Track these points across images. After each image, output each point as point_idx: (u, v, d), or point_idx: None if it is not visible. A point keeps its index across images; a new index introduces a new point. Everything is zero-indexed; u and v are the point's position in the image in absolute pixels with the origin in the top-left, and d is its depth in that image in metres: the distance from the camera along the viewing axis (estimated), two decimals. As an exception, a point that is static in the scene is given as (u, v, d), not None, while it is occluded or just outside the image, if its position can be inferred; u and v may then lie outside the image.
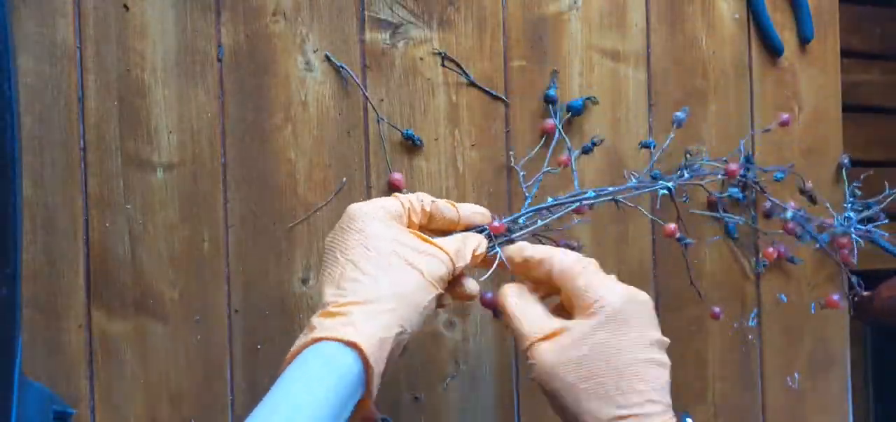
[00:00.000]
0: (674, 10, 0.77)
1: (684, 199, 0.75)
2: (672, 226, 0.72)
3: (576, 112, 0.72)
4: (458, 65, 0.71)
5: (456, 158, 0.71)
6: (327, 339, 0.49)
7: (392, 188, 0.69)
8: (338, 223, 0.55)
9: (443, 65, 0.70)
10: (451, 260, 0.54)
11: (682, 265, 0.77)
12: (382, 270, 0.52)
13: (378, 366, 0.49)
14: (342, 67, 0.68)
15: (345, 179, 0.69)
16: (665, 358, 0.52)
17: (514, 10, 0.73)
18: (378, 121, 0.69)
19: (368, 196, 0.69)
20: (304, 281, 0.67)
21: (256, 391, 0.67)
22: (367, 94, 0.69)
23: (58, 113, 0.63)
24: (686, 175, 0.73)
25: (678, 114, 0.73)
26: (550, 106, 0.72)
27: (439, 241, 0.55)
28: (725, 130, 0.78)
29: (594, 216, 0.74)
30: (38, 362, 0.62)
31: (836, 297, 0.78)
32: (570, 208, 0.66)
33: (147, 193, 0.65)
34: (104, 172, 0.64)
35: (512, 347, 0.73)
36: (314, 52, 0.68)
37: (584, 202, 0.65)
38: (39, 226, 0.63)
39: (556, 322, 0.54)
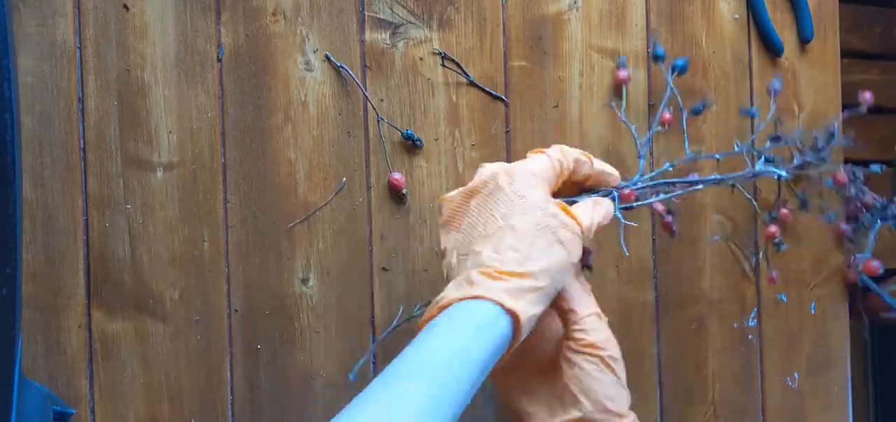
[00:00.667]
0: (674, 10, 0.77)
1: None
2: (773, 228, 0.74)
3: (681, 71, 0.72)
4: (458, 65, 0.71)
5: (456, 158, 0.71)
6: (492, 300, 0.50)
7: (392, 188, 0.69)
8: (491, 177, 0.55)
9: (443, 65, 0.70)
10: (584, 234, 0.56)
11: (682, 265, 0.77)
12: (538, 244, 0.53)
13: (523, 336, 0.51)
14: (342, 67, 0.68)
15: (345, 178, 0.69)
16: None
17: (514, 10, 0.73)
18: (378, 120, 0.69)
19: (368, 197, 0.69)
20: (304, 281, 0.67)
21: (256, 391, 0.67)
22: (367, 94, 0.69)
23: (58, 113, 0.63)
24: (804, 159, 0.72)
25: (774, 82, 0.73)
26: (661, 64, 0.73)
27: (573, 209, 0.56)
28: (725, 131, 0.77)
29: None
30: (38, 362, 0.62)
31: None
32: (694, 189, 0.66)
33: (147, 193, 0.65)
34: (104, 172, 0.64)
35: (512, 347, 0.73)
36: (314, 52, 0.68)
37: (700, 185, 0.66)
38: (39, 226, 0.63)
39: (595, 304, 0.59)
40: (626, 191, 0.60)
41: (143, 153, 0.65)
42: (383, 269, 0.69)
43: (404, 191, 0.69)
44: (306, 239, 0.68)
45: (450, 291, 0.52)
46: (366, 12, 0.69)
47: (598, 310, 0.57)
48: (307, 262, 0.68)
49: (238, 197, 0.67)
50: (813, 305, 0.81)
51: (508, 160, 0.72)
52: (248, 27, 0.67)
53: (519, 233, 0.53)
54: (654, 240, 0.76)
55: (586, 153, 0.59)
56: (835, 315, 0.81)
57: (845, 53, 0.84)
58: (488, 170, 0.56)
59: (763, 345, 0.79)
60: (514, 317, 0.50)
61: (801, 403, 0.80)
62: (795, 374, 0.80)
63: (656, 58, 0.73)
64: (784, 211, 0.78)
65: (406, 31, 0.70)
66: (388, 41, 0.70)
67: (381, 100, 0.70)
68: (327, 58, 0.68)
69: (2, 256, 0.52)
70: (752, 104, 0.79)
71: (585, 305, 0.56)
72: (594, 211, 0.57)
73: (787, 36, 0.80)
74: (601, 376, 0.55)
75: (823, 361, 0.81)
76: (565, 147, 0.58)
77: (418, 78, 0.70)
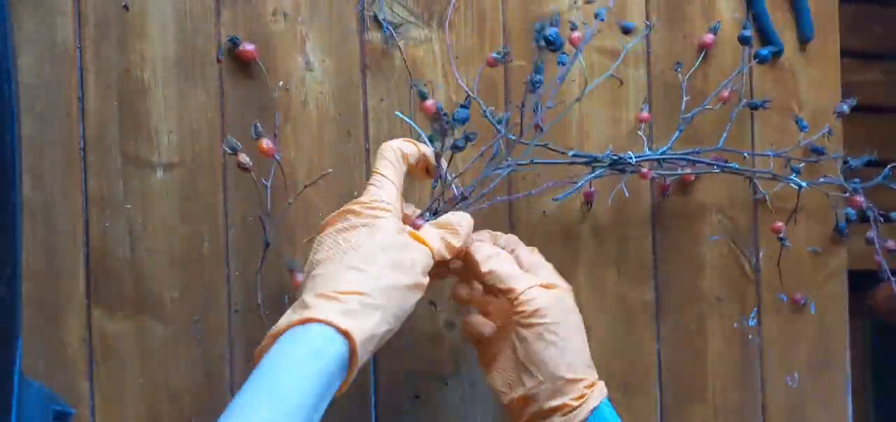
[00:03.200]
0: (674, 10, 0.77)
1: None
2: (779, 223, 0.75)
3: (763, 59, 0.74)
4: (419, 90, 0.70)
5: (456, 158, 0.71)
6: (324, 322, 0.49)
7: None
8: (340, 211, 0.56)
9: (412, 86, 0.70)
10: (433, 257, 0.56)
11: (682, 265, 0.77)
12: (379, 263, 0.52)
13: (362, 360, 0.50)
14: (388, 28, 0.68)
15: (330, 168, 0.68)
16: None
17: (514, 10, 0.73)
18: (410, 86, 0.69)
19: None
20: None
21: (256, 391, 0.67)
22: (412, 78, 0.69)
23: (58, 113, 0.63)
24: None
25: (842, 106, 0.75)
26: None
27: (422, 233, 0.56)
28: (724, 130, 0.77)
29: (594, 214, 0.74)
30: (38, 362, 0.62)
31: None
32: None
33: (147, 193, 0.65)
34: (104, 172, 0.64)
35: (512, 347, 0.73)
36: (314, 51, 0.68)
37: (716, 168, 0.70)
38: (39, 226, 0.63)
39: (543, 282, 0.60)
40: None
41: (143, 153, 0.65)
42: (383, 269, 0.69)
43: None
44: (306, 239, 0.68)
45: (284, 317, 0.51)
46: (366, 12, 0.69)
47: (547, 279, 0.58)
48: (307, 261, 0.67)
49: (238, 197, 0.67)
50: (813, 305, 0.81)
51: (508, 162, 0.72)
52: (248, 27, 0.67)
53: (360, 254, 0.52)
54: (654, 240, 0.76)
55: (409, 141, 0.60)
56: (835, 315, 0.81)
57: (845, 53, 0.84)
58: (345, 207, 0.56)
59: (763, 345, 0.79)
60: (348, 338, 0.49)
61: (801, 403, 0.80)
62: (795, 374, 0.80)
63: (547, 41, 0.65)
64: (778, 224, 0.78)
65: (406, 31, 0.70)
66: (388, 41, 0.70)
67: (381, 99, 0.70)
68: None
69: (2, 256, 0.52)
70: (740, 97, 0.79)
71: (522, 281, 0.58)
72: (444, 235, 0.57)
73: (787, 36, 0.80)
74: (546, 346, 0.56)
75: (823, 361, 0.81)
76: (391, 144, 0.59)
77: (418, 78, 0.70)
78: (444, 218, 0.59)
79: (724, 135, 0.75)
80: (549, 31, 0.64)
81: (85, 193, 0.64)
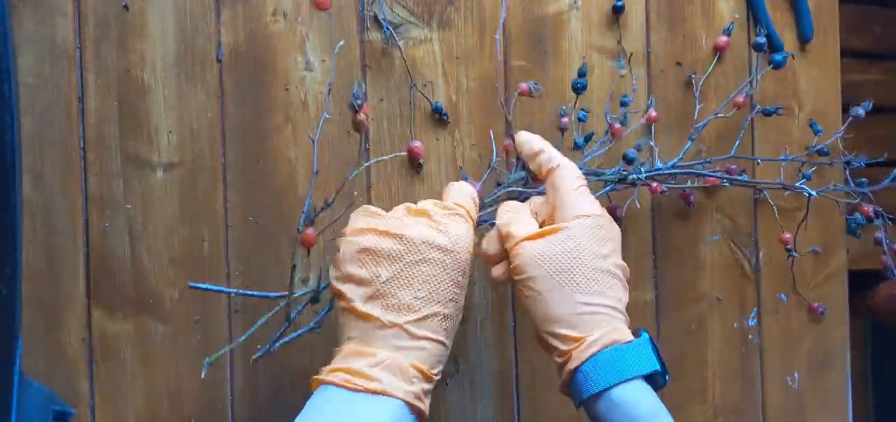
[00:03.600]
0: (674, 10, 0.77)
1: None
2: (787, 235, 0.75)
3: (779, 64, 0.74)
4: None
5: (456, 158, 0.71)
6: (398, 399, 0.51)
7: (411, 156, 0.69)
8: (423, 244, 0.54)
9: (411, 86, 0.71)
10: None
11: (682, 265, 0.77)
12: (451, 308, 0.55)
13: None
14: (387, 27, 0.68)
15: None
16: (626, 284, 0.58)
17: (514, 10, 0.73)
18: (411, 86, 0.69)
19: (367, 196, 0.69)
20: (305, 281, 0.67)
21: (256, 392, 0.67)
22: (413, 82, 0.69)
23: (58, 113, 0.63)
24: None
25: (858, 110, 0.74)
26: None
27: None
28: (725, 130, 0.77)
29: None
30: (38, 362, 0.62)
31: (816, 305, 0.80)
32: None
33: (147, 193, 0.65)
34: (104, 172, 0.64)
35: (512, 347, 0.73)
36: (314, 51, 0.68)
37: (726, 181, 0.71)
38: (39, 226, 0.63)
39: (544, 228, 0.58)
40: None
41: (143, 153, 0.65)
42: (383, 269, 0.69)
43: (422, 161, 0.69)
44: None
45: (351, 362, 0.52)
46: (366, 12, 0.69)
47: (533, 231, 0.57)
48: (307, 261, 0.68)
49: (238, 197, 0.67)
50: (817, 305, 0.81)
51: (508, 162, 0.72)
52: (247, 27, 0.67)
53: (423, 279, 0.53)
54: (654, 240, 0.76)
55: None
56: (835, 315, 0.81)
57: (845, 53, 0.84)
58: (419, 233, 0.54)
59: (763, 345, 0.79)
60: (420, 416, 0.52)
61: (801, 403, 0.80)
62: (795, 374, 0.80)
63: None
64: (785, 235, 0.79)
65: (406, 31, 0.70)
66: (388, 41, 0.70)
67: (381, 99, 0.70)
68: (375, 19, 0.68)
69: (2, 257, 0.52)
70: (752, 104, 0.79)
71: (510, 238, 0.58)
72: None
73: (787, 36, 0.80)
74: (525, 300, 0.56)
75: (823, 361, 0.81)
76: (456, 188, 0.59)
77: (418, 78, 0.70)
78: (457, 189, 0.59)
79: (736, 143, 0.75)
80: (579, 80, 0.69)
81: (85, 193, 0.64)
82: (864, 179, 0.76)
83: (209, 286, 0.60)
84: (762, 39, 0.75)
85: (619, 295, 0.56)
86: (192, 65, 0.66)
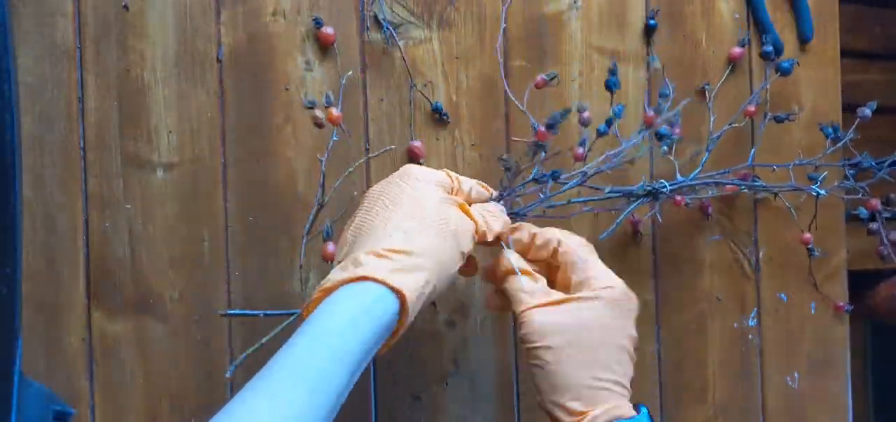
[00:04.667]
0: (674, 10, 0.77)
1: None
2: (808, 235, 0.76)
3: (785, 72, 0.74)
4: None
5: (456, 158, 0.71)
6: (378, 280, 0.50)
7: (411, 157, 0.69)
8: (388, 178, 0.57)
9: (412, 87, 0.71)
10: (476, 231, 0.57)
11: (682, 265, 0.77)
12: (427, 225, 0.53)
13: (411, 318, 0.51)
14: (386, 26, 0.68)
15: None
16: (634, 356, 0.58)
17: (515, 10, 0.73)
18: (411, 86, 0.69)
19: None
20: (304, 281, 0.67)
21: (256, 391, 0.67)
22: (412, 82, 0.69)
23: (58, 113, 0.63)
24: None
25: (865, 110, 0.73)
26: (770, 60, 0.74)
27: (471, 210, 0.57)
28: (729, 136, 0.77)
29: (593, 214, 0.74)
30: (38, 362, 0.62)
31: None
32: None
33: (147, 193, 0.65)
34: (104, 172, 0.64)
35: (512, 346, 0.73)
36: (314, 51, 0.68)
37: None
38: (39, 226, 0.63)
39: (555, 293, 0.57)
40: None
41: (143, 153, 0.65)
42: (383, 269, 0.69)
43: (422, 160, 0.69)
44: (306, 238, 0.68)
45: (334, 274, 0.51)
46: (366, 12, 0.69)
47: (546, 299, 0.56)
48: (307, 261, 0.68)
49: (238, 197, 0.67)
50: (813, 305, 0.81)
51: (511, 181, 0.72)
52: (247, 27, 0.67)
53: (409, 213, 0.53)
54: (653, 240, 0.76)
55: (481, 183, 0.60)
56: (835, 315, 0.81)
57: (845, 53, 0.84)
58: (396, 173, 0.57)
59: (763, 345, 0.79)
60: (400, 296, 0.50)
61: (801, 403, 0.80)
62: (795, 374, 0.80)
63: (549, 127, 0.65)
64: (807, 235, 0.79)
65: (406, 31, 0.70)
66: (388, 41, 0.70)
67: (381, 99, 0.70)
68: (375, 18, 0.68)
69: (2, 257, 0.52)
70: (764, 112, 0.79)
71: (519, 303, 0.57)
72: (488, 215, 0.58)
73: (787, 36, 0.80)
74: (533, 369, 0.56)
75: (823, 361, 0.81)
76: (465, 178, 0.60)
77: (418, 78, 0.70)
78: (484, 205, 0.59)
79: (752, 151, 0.75)
80: (611, 78, 0.68)
81: (85, 193, 0.64)
82: (863, 185, 0.76)
83: (243, 312, 0.61)
84: (769, 48, 0.75)
85: (626, 370, 0.57)
86: (192, 65, 0.66)
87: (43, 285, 0.63)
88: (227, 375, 0.64)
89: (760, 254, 0.79)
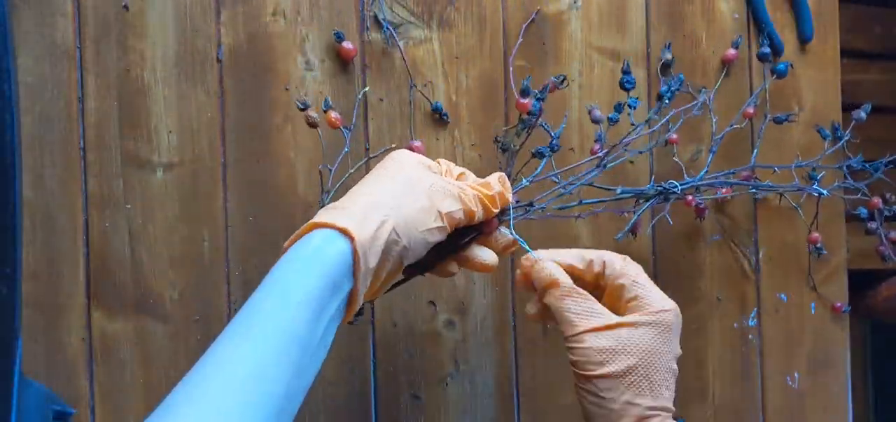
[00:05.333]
0: (674, 10, 0.77)
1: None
2: (816, 234, 0.75)
3: (781, 74, 0.74)
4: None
5: (456, 159, 0.71)
6: (322, 224, 0.49)
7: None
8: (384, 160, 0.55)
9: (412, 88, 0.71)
10: (462, 200, 0.54)
11: (682, 265, 0.77)
12: (395, 183, 0.52)
13: (367, 259, 0.48)
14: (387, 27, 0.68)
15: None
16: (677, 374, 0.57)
17: (514, 10, 0.73)
18: (411, 86, 0.69)
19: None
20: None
21: (256, 391, 0.67)
22: (413, 82, 0.69)
23: (58, 113, 0.63)
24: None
25: (860, 113, 0.74)
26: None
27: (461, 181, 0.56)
28: (727, 136, 0.77)
29: (594, 215, 0.74)
30: (38, 362, 0.62)
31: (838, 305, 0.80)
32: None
33: (147, 193, 0.65)
34: (104, 172, 0.64)
35: (512, 346, 0.73)
36: (314, 51, 0.68)
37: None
38: (39, 226, 0.63)
39: (607, 314, 0.55)
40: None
41: (143, 153, 0.65)
42: (383, 269, 0.69)
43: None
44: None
45: (297, 232, 0.51)
46: (366, 12, 0.69)
47: (600, 323, 0.54)
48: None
49: (238, 197, 0.67)
50: (813, 305, 0.81)
51: (508, 162, 0.72)
52: (247, 27, 0.67)
53: (383, 176, 0.52)
54: (653, 240, 0.76)
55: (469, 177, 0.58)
56: (835, 315, 0.81)
57: (845, 53, 0.84)
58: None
59: (763, 345, 0.79)
60: (347, 235, 0.48)
61: (801, 403, 0.80)
62: (795, 374, 0.80)
63: (523, 93, 0.65)
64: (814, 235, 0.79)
65: (406, 31, 0.70)
66: (388, 41, 0.70)
67: (381, 99, 0.70)
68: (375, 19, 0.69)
69: (2, 257, 0.52)
70: (764, 113, 0.79)
71: (569, 326, 0.54)
72: (476, 185, 0.56)
73: (787, 36, 0.80)
74: (593, 399, 0.54)
75: (823, 361, 0.81)
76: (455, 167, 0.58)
77: (418, 78, 0.70)
78: (487, 178, 0.57)
79: (755, 151, 0.75)
80: (625, 77, 0.67)
81: (85, 193, 0.64)
82: (863, 184, 0.77)
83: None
84: (767, 49, 0.75)
85: (672, 393, 0.55)
86: (192, 65, 0.66)
87: (43, 285, 0.63)
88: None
89: (760, 254, 0.79)
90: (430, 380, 0.71)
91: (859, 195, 0.77)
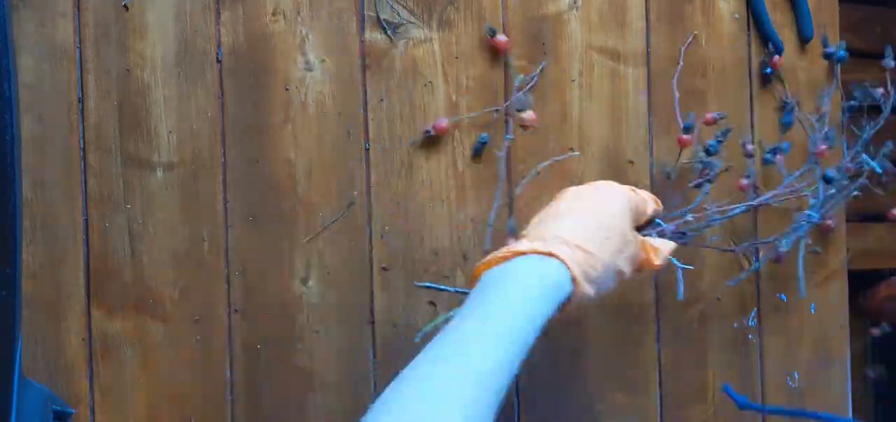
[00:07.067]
0: (674, 10, 0.77)
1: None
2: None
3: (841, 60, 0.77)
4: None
5: (456, 159, 0.71)
6: (565, 262, 0.53)
7: (437, 132, 0.69)
8: (583, 186, 0.62)
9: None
10: (643, 262, 0.61)
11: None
12: (609, 241, 0.56)
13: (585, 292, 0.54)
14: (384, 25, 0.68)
15: (356, 193, 0.69)
16: None
17: (514, 10, 0.73)
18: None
19: (367, 197, 0.69)
20: (304, 281, 0.67)
21: (256, 392, 0.67)
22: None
23: (58, 113, 0.63)
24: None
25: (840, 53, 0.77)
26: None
27: (650, 241, 0.62)
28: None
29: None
30: (38, 362, 0.62)
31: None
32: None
33: (147, 193, 0.65)
34: (104, 172, 0.64)
35: (512, 347, 0.73)
36: (314, 51, 0.68)
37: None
38: (39, 226, 0.63)
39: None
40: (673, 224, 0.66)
41: (143, 153, 0.65)
42: (383, 268, 0.69)
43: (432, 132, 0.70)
44: (306, 239, 0.68)
45: (521, 244, 0.54)
46: (366, 12, 0.69)
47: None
48: (307, 261, 0.68)
49: (238, 197, 0.67)
50: (813, 305, 0.81)
51: (508, 161, 0.72)
52: (247, 27, 0.67)
53: (594, 210, 0.57)
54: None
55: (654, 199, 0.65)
56: (835, 315, 0.81)
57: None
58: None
59: (763, 345, 0.79)
60: (576, 285, 0.53)
61: (801, 403, 0.80)
62: (795, 374, 0.80)
63: (686, 129, 0.73)
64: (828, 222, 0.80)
65: (406, 31, 0.70)
66: (388, 41, 0.70)
67: (381, 100, 0.70)
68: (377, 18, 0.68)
69: (2, 257, 0.52)
70: (751, 104, 0.79)
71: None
72: (660, 245, 0.63)
73: (786, 35, 0.80)
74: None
75: (823, 361, 0.81)
76: (651, 198, 0.65)
77: (418, 78, 0.70)
78: (661, 240, 0.64)
79: (797, 173, 0.76)
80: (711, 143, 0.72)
81: (85, 193, 0.64)
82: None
83: (435, 285, 0.67)
84: (832, 49, 0.78)
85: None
86: (192, 65, 0.66)
87: (43, 285, 0.63)
88: (416, 339, 0.66)
89: (760, 254, 0.79)
90: (430, 380, 0.71)
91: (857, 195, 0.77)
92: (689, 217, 0.67)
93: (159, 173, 0.65)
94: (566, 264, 0.53)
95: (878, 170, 0.73)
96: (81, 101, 0.64)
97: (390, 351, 0.70)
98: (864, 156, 0.73)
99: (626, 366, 0.75)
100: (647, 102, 0.76)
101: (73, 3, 0.63)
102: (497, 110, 0.71)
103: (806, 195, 0.75)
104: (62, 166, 0.63)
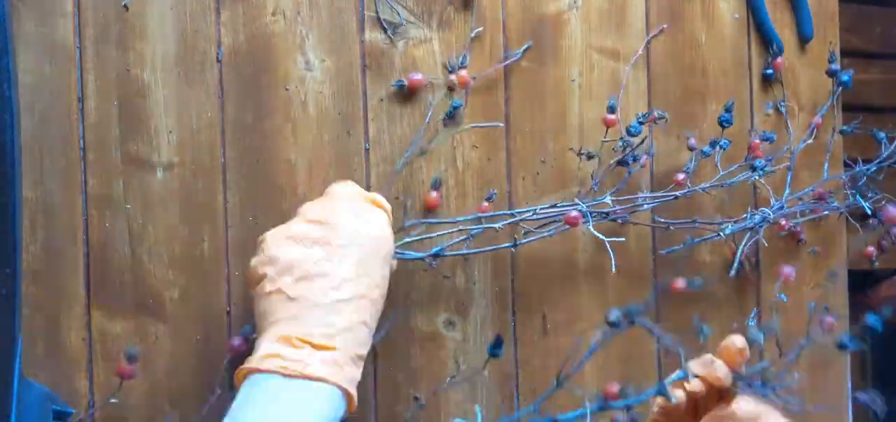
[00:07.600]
0: (674, 10, 0.77)
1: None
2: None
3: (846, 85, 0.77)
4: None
5: (456, 159, 0.71)
6: (340, 387, 0.52)
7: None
8: (326, 204, 0.60)
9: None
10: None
11: (681, 265, 0.77)
12: (379, 293, 0.57)
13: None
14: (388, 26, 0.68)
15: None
16: None
17: (514, 10, 0.73)
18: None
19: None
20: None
21: (256, 391, 0.66)
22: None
23: (58, 113, 0.63)
24: None
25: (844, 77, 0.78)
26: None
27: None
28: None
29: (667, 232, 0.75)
30: (38, 362, 0.62)
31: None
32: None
33: (147, 193, 0.65)
34: (104, 172, 0.64)
35: (512, 346, 0.73)
36: (314, 51, 0.68)
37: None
38: (39, 226, 0.63)
39: None
40: None
41: (143, 153, 0.65)
42: (383, 269, 0.69)
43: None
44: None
45: (284, 350, 0.52)
46: (366, 12, 0.69)
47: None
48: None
49: (238, 197, 0.67)
50: (812, 305, 0.81)
51: (508, 162, 0.72)
52: (247, 27, 0.67)
53: (371, 279, 0.56)
54: (653, 240, 0.76)
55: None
56: (835, 315, 0.81)
57: (845, 53, 0.84)
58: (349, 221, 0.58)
59: (763, 344, 0.79)
60: (351, 404, 0.54)
61: (800, 402, 0.80)
62: (795, 374, 0.80)
63: (611, 109, 0.72)
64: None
65: (406, 31, 0.70)
66: (388, 41, 0.70)
67: (381, 99, 0.70)
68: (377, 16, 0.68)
69: (2, 257, 0.52)
70: (751, 105, 0.79)
71: None
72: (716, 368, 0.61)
73: (786, 35, 0.80)
74: None
75: (823, 361, 0.81)
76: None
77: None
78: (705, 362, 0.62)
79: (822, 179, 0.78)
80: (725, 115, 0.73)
81: (85, 193, 0.64)
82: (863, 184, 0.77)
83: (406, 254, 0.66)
84: (837, 67, 0.79)
85: None
86: (192, 65, 0.66)
87: (43, 285, 0.63)
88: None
89: (760, 254, 0.79)
90: (430, 380, 0.71)
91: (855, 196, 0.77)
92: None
93: (159, 173, 0.65)
94: (347, 392, 0.53)
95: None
96: (81, 101, 0.64)
97: (390, 351, 0.70)
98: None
99: (626, 366, 0.75)
100: (647, 103, 0.76)
101: (73, 3, 0.63)
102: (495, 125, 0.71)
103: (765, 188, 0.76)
104: (62, 166, 0.63)
